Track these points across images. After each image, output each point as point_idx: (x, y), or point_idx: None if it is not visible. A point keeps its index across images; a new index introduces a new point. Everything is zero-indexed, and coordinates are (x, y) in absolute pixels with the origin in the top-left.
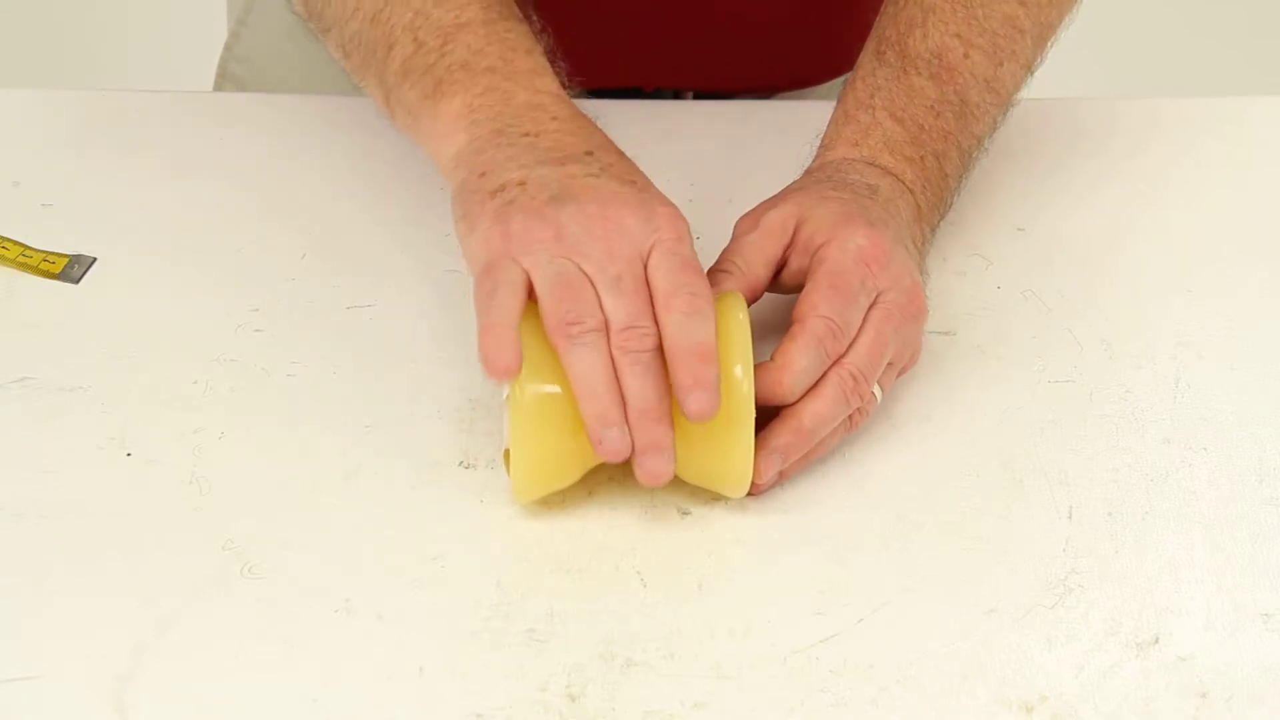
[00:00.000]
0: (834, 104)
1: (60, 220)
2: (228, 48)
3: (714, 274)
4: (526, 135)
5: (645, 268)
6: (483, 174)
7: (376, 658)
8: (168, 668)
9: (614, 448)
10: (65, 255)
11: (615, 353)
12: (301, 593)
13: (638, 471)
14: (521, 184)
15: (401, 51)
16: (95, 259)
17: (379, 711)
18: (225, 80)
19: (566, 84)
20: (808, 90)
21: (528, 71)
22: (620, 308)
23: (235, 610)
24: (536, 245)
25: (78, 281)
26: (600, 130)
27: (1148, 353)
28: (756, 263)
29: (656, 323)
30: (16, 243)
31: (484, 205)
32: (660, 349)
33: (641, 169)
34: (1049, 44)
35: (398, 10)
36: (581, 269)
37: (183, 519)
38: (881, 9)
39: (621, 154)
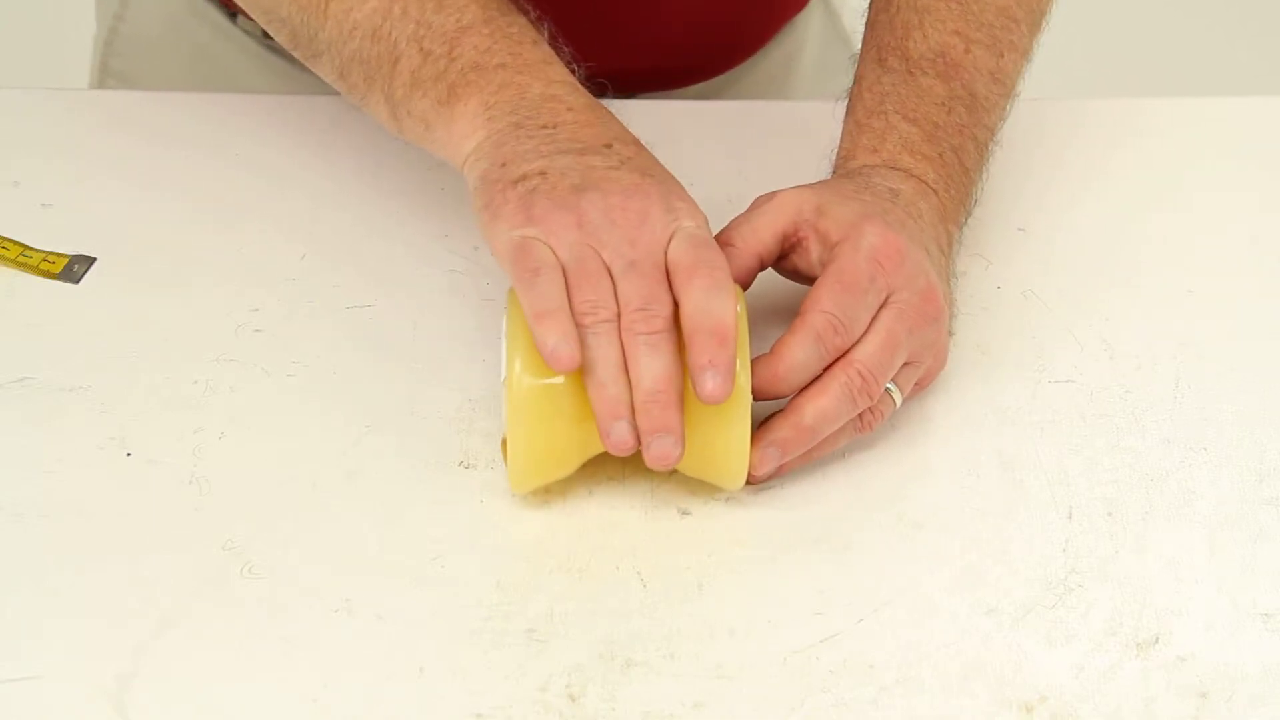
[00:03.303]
0: (834, 102)
1: (60, 220)
2: (106, 43)
3: (720, 243)
4: (545, 127)
5: (665, 255)
6: (504, 164)
7: (376, 658)
8: (168, 668)
9: (621, 442)
10: (65, 255)
11: (625, 335)
12: (301, 593)
13: (645, 455)
14: (543, 174)
15: (409, 63)
16: (95, 259)
17: (379, 711)
18: (108, 76)
19: (574, 68)
20: (810, 91)
21: (538, 63)
22: (633, 290)
23: (235, 610)
24: (559, 229)
25: (78, 281)
26: (616, 120)
27: (1148, 353)
28: (765, 231)
29: (673, 306)
30: (16, 243)
31: (506, 194)
32: (672, 329)
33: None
34: (1042, 30)
35: (398, 24)
36: (600, 256)
37: (183, 519)
38: (870, 20)
39: (640, 146)
